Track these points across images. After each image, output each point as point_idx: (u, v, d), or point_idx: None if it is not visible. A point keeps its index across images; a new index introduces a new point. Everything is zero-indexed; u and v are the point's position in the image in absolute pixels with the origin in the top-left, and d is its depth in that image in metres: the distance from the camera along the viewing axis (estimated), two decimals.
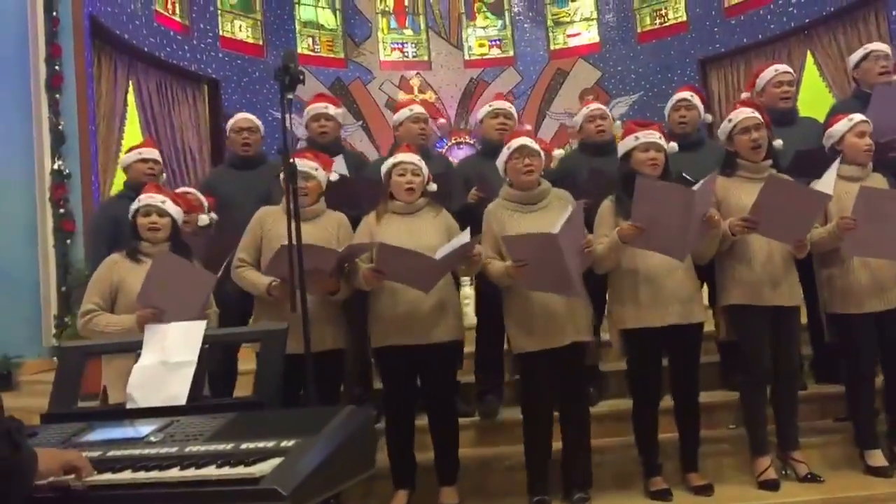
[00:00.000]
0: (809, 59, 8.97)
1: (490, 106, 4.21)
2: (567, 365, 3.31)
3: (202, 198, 4.02)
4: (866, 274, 3.39)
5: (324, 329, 3.32)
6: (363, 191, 3.85)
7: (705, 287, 3.78)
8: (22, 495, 1.43)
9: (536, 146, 3.43)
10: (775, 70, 4.21)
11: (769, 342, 3.38)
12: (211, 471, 1.46)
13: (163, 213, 3.34)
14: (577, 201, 3.30)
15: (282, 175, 3.44)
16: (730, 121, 3.49)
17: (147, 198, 3.35)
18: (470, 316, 4.38)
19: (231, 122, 4.50)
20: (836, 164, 3.31)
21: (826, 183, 3.20)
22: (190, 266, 3.19)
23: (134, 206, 3.38)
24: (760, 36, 9.40)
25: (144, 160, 4.17)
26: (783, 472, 3.43)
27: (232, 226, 3.76)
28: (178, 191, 3.86)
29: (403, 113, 4.24)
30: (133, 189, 3.90)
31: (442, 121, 6.80)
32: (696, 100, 4.22)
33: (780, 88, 4.14)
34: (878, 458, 3.44)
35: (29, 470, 1.44)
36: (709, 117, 4.30)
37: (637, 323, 3.32)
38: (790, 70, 4.26)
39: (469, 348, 3.91)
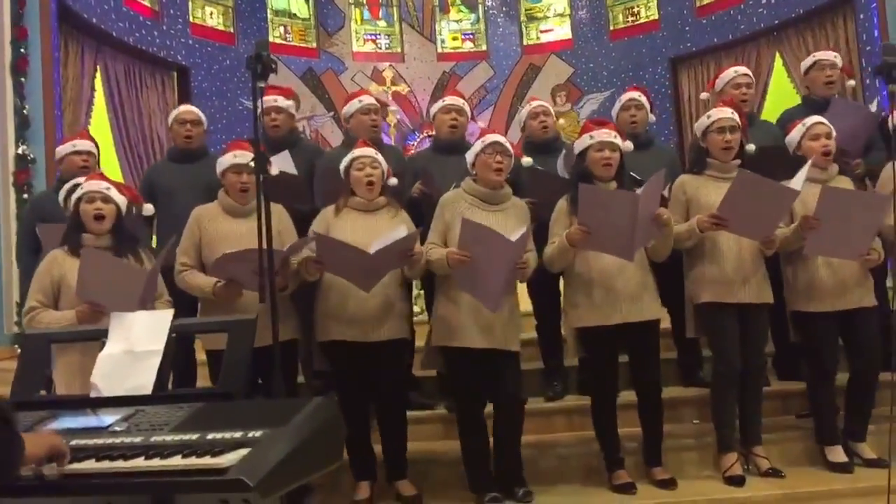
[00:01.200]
0: (778, 60, 9.07)
1: (443, 101, 4.18)
2: (496, 368, 3.31)
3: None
4: (829, 273, 3.45)
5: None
6: (294, 188, 3.82)
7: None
8: (10, 475, 1.40)
9: (509, 146, 3.43)
10: (735, 71, 4.27)
11: (738, 338, 3.42)
12: (177, 461, 1.45)
13: (108, 199, 3.22)
14: (526, 213, 3.39)
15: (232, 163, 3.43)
16: (708, 117, 3.53)
17: (91, 184, 3.23)
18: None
19: (174, 113, 4.41)
20: (806, 166, 3.36)
21: (796, 181, 3.25)
22: (118, 262, 3.10)
23: (76, 193, 3.24)
24: (731, 36, 9.49)
25: (78, 152, 4.04)
26: (745, 468, 3.48)
27: (173, 219, 3.71)
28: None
29: (353, 105, 4.17)
30: (64, 182, 3.76)
31: (393, 107, 6.76)
32: (644, 100, 4.24)
33: (739, 90, 4.18)
34: (838, 453, 3.51)
35: (19, 452, 1.41)
36: (653, 118, 4.32)
37: (590, 322, 3.35)
38: (749, 73, 4.30)
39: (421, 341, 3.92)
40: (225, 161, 3.44)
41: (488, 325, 3.26)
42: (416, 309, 4.18)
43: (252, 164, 3.39)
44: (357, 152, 3.48)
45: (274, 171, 3.69)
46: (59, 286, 3.16)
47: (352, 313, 3.31)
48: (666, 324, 3.69)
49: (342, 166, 3.51)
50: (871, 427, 3.58)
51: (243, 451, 1.45)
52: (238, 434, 1.52)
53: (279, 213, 3.49)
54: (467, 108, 4.20)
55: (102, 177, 3.38)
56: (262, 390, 3.31)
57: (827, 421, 3.56)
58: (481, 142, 3.43)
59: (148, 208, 3.69)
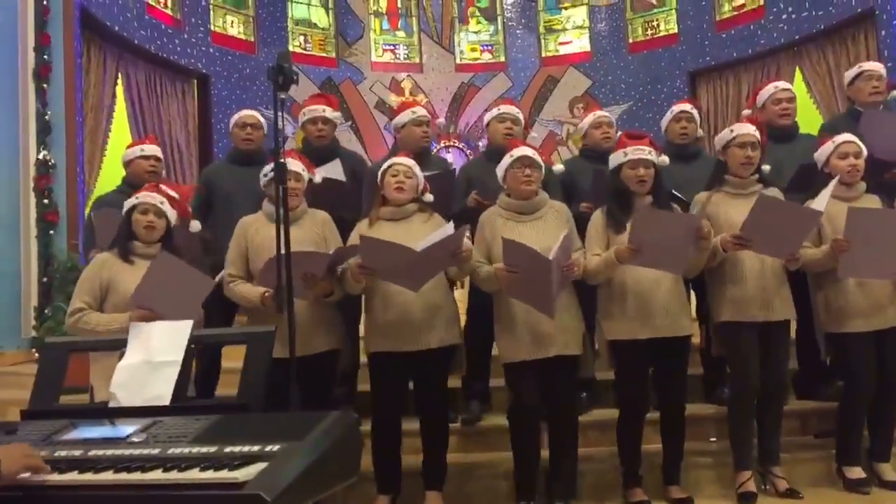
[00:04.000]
0: (798, 75, 9.03)
1: (498, 110, 4.20)
2: (555, 376, 3.30)
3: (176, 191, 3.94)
4: (862, 293, 3.41)
5: (316, 331, 3.32)
6: (345, 196, 3.84)
7: (693, 298, 3.80)
8: None
9: (538, 158, 3.42)
10: (775, 87, 4.25)
11: (759, 357, 3.39)
12: (194, 474, 1.44)
13: (160, 213, 3.29)
14: (570, 223, 3.32)
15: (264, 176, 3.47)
16: (731, 131, 3.51)
17: (146, 196, 3.29)
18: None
19: (235, 117, 4.44)
20: (832, 183, 3.33)
21: (820, 201, 3.22)
22: (190, 269, 3.13)
23: (130, 201, 3.31)
24: (750, 51, 9.47)
25: (146, 157, 4.14)
26: (763, 487, 3.44)
27: (230, 222, 3.73)
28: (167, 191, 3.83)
29: (406, 115, 4.18)
30: (131, 185, 3.86)
31: (441, 120, 6.81)
32: (695, 112, 4.29)
33: (779, 105, 4.17)
34: (857, 472, 3.46)
35: None
36: (700, 131, 4.34)
37: (625, 335, 3.32)
38: (790, 87, 4.28)
39: None
40: (269, 168, 3.46)
41: (545, 333, 3.24)
42: None
43: (302, 172, 3.46)
44: (394, 159, 3.49)
45: (317, 178, 3.73)
46: (107, 290, 3.20)
47: (398, 322, 3.28)
48: (694, 339, 3.65)
49: (379, 173, 3.51)
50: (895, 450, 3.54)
51: (261, 465, 1.45)
52: (256, 448, 1.52)
53: (324, 219, 3.51)
54: (522, 116, 4.20)
55: (157, 189, 3.42)
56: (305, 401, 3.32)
57: (851, 442, 3.51)
58: (510, 156, 3.42)
59: (195, 225, 3.71)
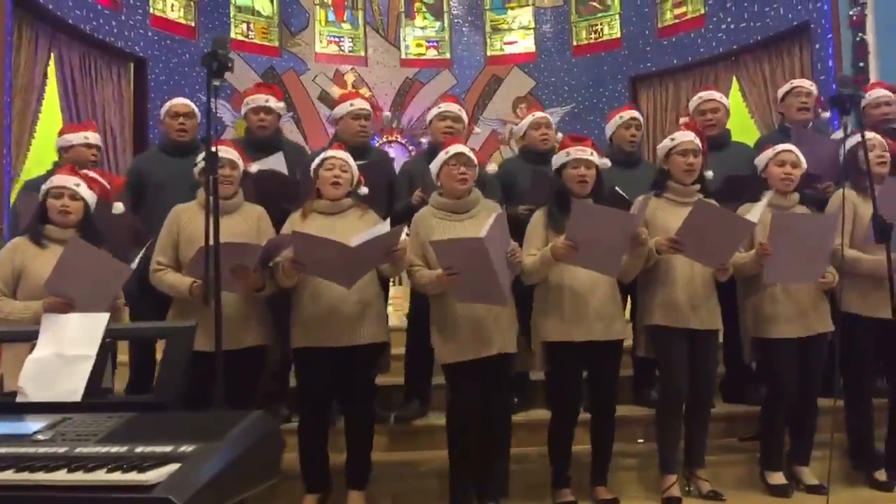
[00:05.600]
0: (735, 84, 9.23)
1: (439, 108, 4.18)
2: (493, 375, 3.29)
3: (101, 180, 3.81)
4: (788, 300, 3.48)
5: (245, 326, 3.25)
6: (288, 189, 3.78)
7: (628, 302, 3.84)
8: None
9: (473, 156, 3.40)
10: (699, 98, 4.34)
11: (687, 362, 3.43)
12: (101, 475, 1.37)
13: (76, 196, 3.17)
14: (501, 210, 3.29)
15: (198, 165, 3.38)
16: (672, 139, 3.55)
17: (60, 179, 3.18)
18: (395, 317, 4.34)
19: (167, 105, 4.30)
20: (767, 196, 3.40)
21: (755, 212, 3.28)
22: (105, 255, 3.02)
23: (45, 186, 3.20)
24: (690, 58, 9.65)
25: (89, 145, 4.00)
26: (687, 489, 3.50)
27: (162, 213, 3.61)
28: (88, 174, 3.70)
29: (343, 107, 4.11)
30: None
31: (386, 113, 6.74)
32: (642, 119, 4.35)
33: (704, 116, 4.24)
34: (779, 478, 3.54)
35: None
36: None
37: (560, 336, 3.33)
38: (716, 97, 4.34)
39: (397, 350, 3.87)
40: (202, 157, 3.37)
41: (484, 333, 3.22)
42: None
43: (238, 161, 3.36)
44: (329, 153, 3.43)
45: (253, 168, 3.64)
46: (20, 274, 3.09)
47: (325, 318, 3.23)
48: (627, 341, 3.68)
49: (313, 166, 3.44)
50: (815, 454, 3.62)
51: (173, 467, 1.38)
52: (168, 448, 1.45)
53: (260, 214, 3.44)
54: (464, 115, 4.17)
55: (74, 171, 3.29)
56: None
57: (774, 446, 3.59)
58: (444, 153, 3.40)
59: (118, 207, 3.58)
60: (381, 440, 3.76)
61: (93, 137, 4.06)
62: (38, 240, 3.13)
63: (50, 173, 3.94)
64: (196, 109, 4.30)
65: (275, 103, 4.14)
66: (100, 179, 3.67)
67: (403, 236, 3.23)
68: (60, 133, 4.15)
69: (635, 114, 4.34)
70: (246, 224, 3.33)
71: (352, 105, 4.11)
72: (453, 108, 4.16)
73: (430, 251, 3.24)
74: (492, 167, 4.00)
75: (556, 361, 3.41)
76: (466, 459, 3.33)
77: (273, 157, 3.90)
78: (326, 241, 3.02)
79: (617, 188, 3.60)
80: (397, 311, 5.35)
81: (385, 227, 3.13)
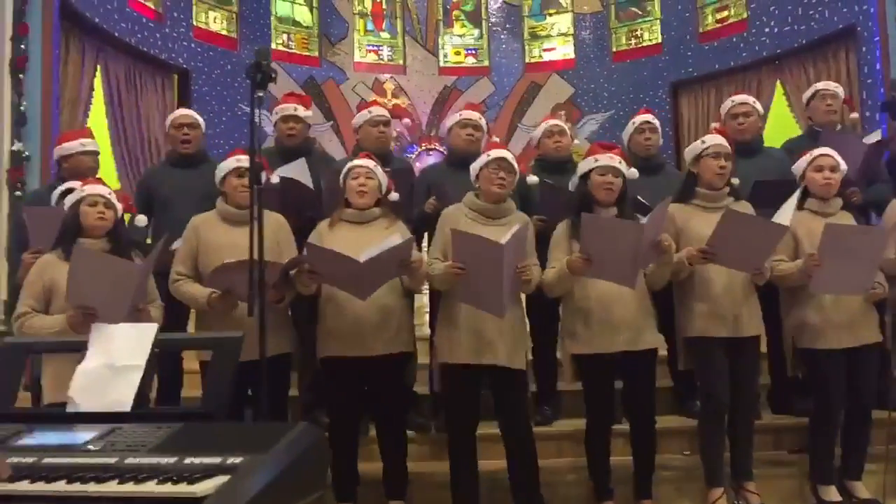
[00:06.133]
0: (779, 89, 9.08)
1: (459, 115, 4.16)
2: (502, 393, 3.27)
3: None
4: (836, 310, 3.39)
5: (268, 335, 3.25)
6: (308, 197, 3.79)
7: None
8: None
9: (515, 163, 3.39)
10: (732, 101, 4.27)
11: (728, 372, 3.36)
12: (151, 486, 1.38)
13: (110, 204, 3.20)
14: (527, 222, 3.28)
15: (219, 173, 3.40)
16: (703, 142, 3.49)
17: (93, 188, 3.20)
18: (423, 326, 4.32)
19: (170, 117, 4.32)
20: (794, 196, 3.33)
21: (784, 215, 3.22)
22: (110, 258, 3.02)
23: (74, 196, 3.20)
24: (732, 63, 9.50)
25: (87, 152, 3.98)
26: (735, 503, 3.42)
27: (170, 226, 3.65)
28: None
29: (363, 115, 4.16)
30: (65, 182, 3.70)
31: (406, 120, 6.74)
32: (658, 123, 4.25)
33: (735, 120, 4.16)
34: (831, 493, 3.45)
35: None
36: (660, 141, 4.31)
37: (587, 349, 3.29)
38: (748, 101, 4.27)
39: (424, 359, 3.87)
40: (227, 165, 3.40)
41: (490, 341, 3.20)
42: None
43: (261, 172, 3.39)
44: (355, 162, 3.45)
45: (274, 179, 3.66)
46: (51, 291, 3.10)
47: (349, 328, 3.24)
48: (663, 352, 3.63)
49: (341, 176, 3.47)
50: (869, 466, 3.52)
51: (222, 479, 1.39)
52: (217, 459, 1.46)
53: (279, 223, 3.44)
54: (484, 122, 4.15)
55: (101, 182, 3.34)
56: (251, 403, 3.25)
57: (823, 459, 3.50)
58: (486, 156, 3.39)
59: (141, 219, 3.62)
60: (422, 450, 3.76)
61: (89, 143, 4.02)
62: (68, 254, 3.08)
63: (51, 187, 3.96)
64: (199, 119, 4.30)
65: (303, 112, 4.17)
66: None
67: (416, 252, 3.24)
68: (58, 142, 4.13)
69: (649, 117, 4.25)
70: (265, 234, 3.33)
71: (370, 112, 4.16)
72: (474, 115, 4.14)
73: (451, 248, 3.23)
74: (532, 178, 3.96)
75: (586, 373, 3.37)
76: (469, 471, 3.30)
77: (293, 164, 3.90)
78: (337, 255, 3.04)
79: (639, 196, 3.54)
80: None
81: (395, 240, 3.13)
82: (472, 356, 3.21)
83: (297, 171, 3.87)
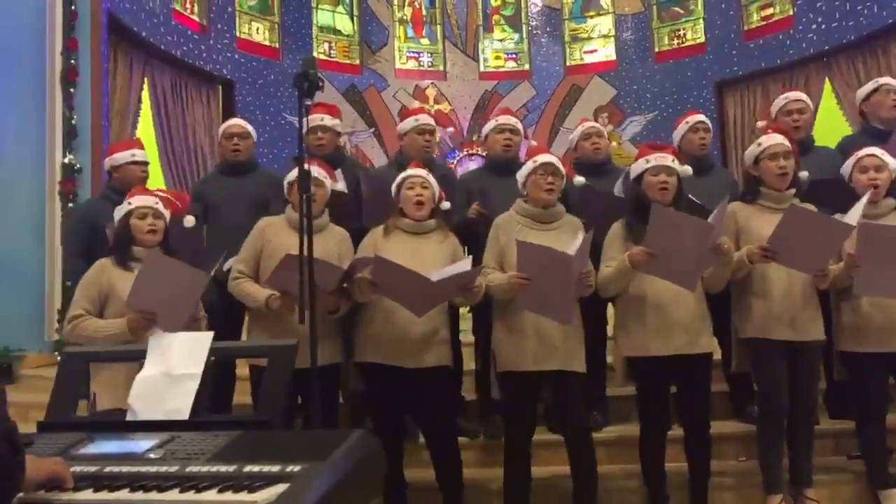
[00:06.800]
0: (827, 86, 8.90)
1: (496, 121, 4.13)
2: (562, 395, 3.24)
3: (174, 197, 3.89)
4: (877, 312, 3.30)
5: (321, 344, 3.26)
6: (347, 207, 3.80)
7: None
8: (9, 498, 1.37)
9: (561, 166, 3.36)
10: (786, 98, 4.17)
11: (787, 376, 3.29)
12: (212, 495, 1.39)
13: (158, 214, 3.25)
14: (589, 230, 3.24)
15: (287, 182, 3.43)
16: (759, 145, 3.42)
17: (141, 199, 3.25)
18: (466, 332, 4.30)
19: (222, 127, 4.40)
20: (864, 199, 3.23)
21: (852, 215, 3.13)
22: (181, 265, 3.06)
23: (123, 208, 3.26)
24: (779, 61, 9.35)
25: (138, 163, 4.04)
26: None
27: (221, 232, 3.68)
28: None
29: (409, 122, 4.14)
30: (116, 192, 3.78)
31: (450, 129, 6.73)
32: (710, 123, 4.21)
33: (790, 116, 4.08)
34: (892, 498, 3.35)
35: (21, 476, 1.38)
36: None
37: (642, 351, 3.24)
38: (802, 97, 4.18)
39: (469, 365, 3.84)
40: (293, 175, 3.43)
41: (555, 347, 3.18)
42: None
43: (324, 180, 3.42)
44: (409, 172, 3.44)
45: (339, 186, 3.68)
46: (107, 296, 3.15)
47: (396, 337, 3.24)
48: (717, 355, 3.56)
49: (394, 185, 3.47)
50: None
51: (281, 487, 1.39)
52: (276, 468, 1.46)
53: (343, 235, 3.47)
54: (521, 127, 4.13)
55: (147, 191, 3.39)
56: (302, 411, 3.27)
57: (877, 463, 3.40)
58: (532, 162, 3.37)
59: (189, 220, 3.67)
60: (472, 455, 3.74)
61: (139, 154, 4.08)
62: (124, 262, 3.17)
63: (103, 196, 4.05)
64: (250, 130, 4.35)
65: (330, 121, 4.16)
66: (169, 197, 3.77)
67: (479, 278, 3.22)
68: (109, 153, 4.21)
69: (701, 117, 4.19)
70: (329, 246, 3.34)
71: (416, 120, 4.12)
72: (511, 120, 4.11)
73: (507, 256, 3.22)
74: (579, 179, 3.93)
75: (640, 376, 3.32)
76: (522, 479, 3.28)
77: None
78: (407, 272, 3.03)
79: (690, 195, 3.48)
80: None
81: (466, 264, 3.13)
82: (537, 363, 3.19)
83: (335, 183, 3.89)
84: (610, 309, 3.68)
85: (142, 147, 4.25)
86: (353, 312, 3.37)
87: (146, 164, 4.12)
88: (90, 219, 3.98)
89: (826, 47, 8.87)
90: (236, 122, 4.39)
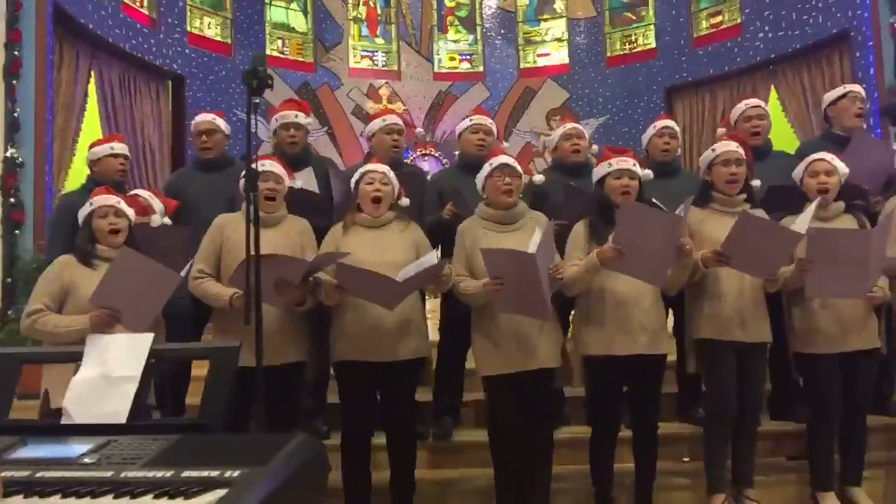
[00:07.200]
0: (773, 94, 9.09)
1: (470, 120, 4.16)
2: (535, 388, 3.24)
3: (154, 200, 3.86)
4: (830, 315, 3.38)
5: (286, 341, 3.24)
6: (318, 206, 3.78)
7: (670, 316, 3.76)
8: None
9: (518, 166, 3.37)
10: (745, 104, 4.25)
11: (735, 378, 3.35)
12: (147, 501, 1.35)
13: (120, 213, 3.21)
14: (548, 222, 3.26)
15: (242, 178, 3.39)
16: (713, 150, 3.49)
17: (102, 199, 3.22)
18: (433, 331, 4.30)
19: (193, 123, 4.36)
20: (813, 205, 3.30)
21: (801, 222, 3.20)
22: (155, 264, 3.02)
23: (85, 208, 3.24)
24: (727, 68, 9.53)
25: (116, 155, 4.04)
26: None
27: (198, 229, 3.63)
28: (130, 193, 3.74)
29: (377, 123, 4.14)
30: (98, 184, 3.74)
31: (419, 130, 6.76)
32: (678, 129, 4.27)
33: (749, 123, 4.16)
34: (831, 499, 3.42)
35: None
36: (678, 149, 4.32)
37: (603, 350, 3.26)
38: (760, 104, 4.27)
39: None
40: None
41: (534, 346, 3.19)
42: None
43: (283, 175, 3.38)
44: (369, 167, 3.43)
45: (297, 184, 3.66)
46: (67, 293, 3.10)
47: (368, 333, 3.21)
48: (670, 357, 3.61)
49: (353, 180, 3.44)
50: (870, 473, 3.51)
51: (220, 493, 1.36)
52: (215, 473, 1.42)
53: (304, 228, 3.44)
54: (495, 128, 4.16)
55: (109, 190, 3.35)
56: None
57: (823, 465, 3.47)
58: (489, 164, 3.38)
59: (155, 220, 3.63)
60: (421, 457, 3.72)
61: (119, 147, 4.10)
62: (87, 260, 3.15)
63: (85, 188, 4.01)
64: (221, 124, 4.30)
65: (303, 119, 4.15)
66: (141, 197, 3.71)
67: (448, 266, 3.22)
68: (90, 147, 4.21)
69: (669, 122, 4.26)
70: (288, 238, 3.33)
71: (385, 121, 4.14)
72: (485, 121, 4.14)
73: (475, 261, 3.22)
74: (538, 177, 3.97)
75: (598, 376, 3.34)
76: (511, 476, 3.28)
77: (301, 174, 3.90)
78: (372, 275, 3.02)
79: (654, 199, 3.54)
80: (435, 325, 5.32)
81: (431, 259, 3.13)
82: (517, 364, 3.19)
83: (304, 181, 3.87)
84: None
85: (122, 140, 4.26)
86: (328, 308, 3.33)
87: (126, 157, 4.12)
88: (74, 211, 3.92)
89: (772, 55, 9.07)
90: (203, 117, 4.32)
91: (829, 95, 4.35)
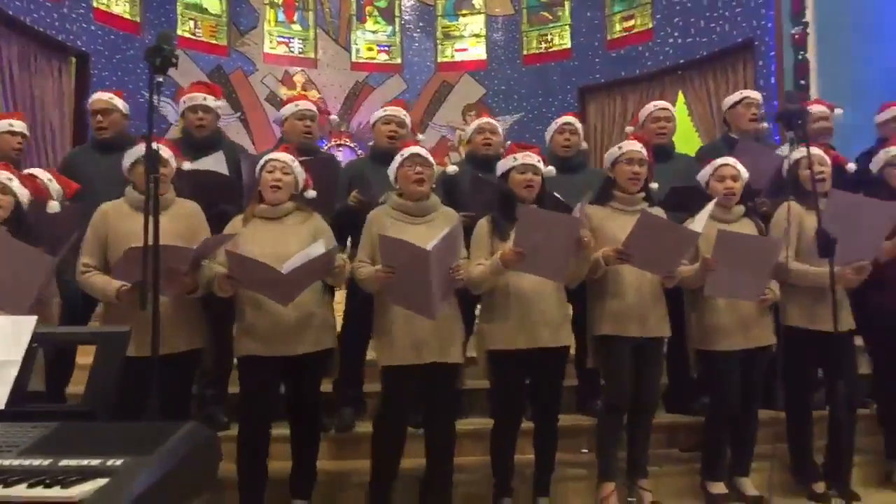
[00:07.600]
0: (680, 98, 9.37)
1: (384, 111, 4.16)
2: (433, 383, 3.25)
3: (53, 184, 3.69)
4: (731, 312, 3.51)
5: (178, 330, 3.15)
6: (227, 189, 3.71)
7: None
8: None
9: (429, 156, 3.37)
10: (654, 106, 4.38)
11: (631, 372, 3.44)
12: (20, 490, 1.29)
13: (6, 190, 3.07)
14: (458, 220, 3.27)
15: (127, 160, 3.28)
16: (619, 148, 3.58)
17: None
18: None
19: (88, 101, 4.21)
20: (710, 205, 3.42)
21: (698, 222, 3.31)
22: (24, 247, 2.90)
23: None
24: (637, 71, 9.77)
25: (14, 133, 3.89)
26: (629, 500, 3.50)
27: (93, 210, 3.49)
28: (25, 172, 3.56)
29: (289, 108, 4.09)
30: None
31: (334, 116, 6.68)
32: (579, 125, 4.33)
33: (657, 124, 4.29)
34: (719, 488, 3.57)
35: None
36: (585, 144, 4.40)
37: (506, 344, 3.30)
38: (668, 107, 4.41)
39: None
40: (135, 153, 3.27)
41: (425, 340, 3.18)
42: None
43: (170, 158, 3.27)
44: (271, 155, 3.36)
45: (186, 165, 3.56)
46: None
47: (269, 327, 3.16)
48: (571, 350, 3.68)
49: (257, 168, 3.37)
50: (757, 465, 3.65)
51: (100, 482, 1.31)
52: (96, 462, 1.38)
53: (193, 210, 3.34)
54: (408, 119, 4.14)
55: (6, 166, 3.20)
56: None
57: (716, 456, 3.61)
58: (401, 155, 3.38)
59: (52, 206, 3.45)
60: (322, 448, 3.69)
61: (18, 125, 3.97)
62: None
63: None
64: (117, 103, 4.14)
65: (213, 102, 4.06)
66: (39, 179, 3.55)
67: (339, 256, 3.20)
68: None
69: (570, 119, 4.36)
70: (177, 222, 3.22)
71: (297, 106, 4.09)
72: (399, 112, 4.14)
73: (378, 250, 3.20)
74: (452, 168, 3.99)
75: (501, 369, 3.38)
76: (391, 468, 3.31)
77: (212, 157, 3.83)
78: (259, 264, 2.96)
79: (555, 193, 3.60)
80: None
81: (319, 248, 3.08)
82: (409, 356, 3.19)
83: (215, 164, 3.78)
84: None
85: (21, 118, 4.09)
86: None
87: (24, 136, 3.97)
88: None
89: (681, 61, 9.34)
90: (98, 96, 4.16)
91: (728, 100, 4.53)
